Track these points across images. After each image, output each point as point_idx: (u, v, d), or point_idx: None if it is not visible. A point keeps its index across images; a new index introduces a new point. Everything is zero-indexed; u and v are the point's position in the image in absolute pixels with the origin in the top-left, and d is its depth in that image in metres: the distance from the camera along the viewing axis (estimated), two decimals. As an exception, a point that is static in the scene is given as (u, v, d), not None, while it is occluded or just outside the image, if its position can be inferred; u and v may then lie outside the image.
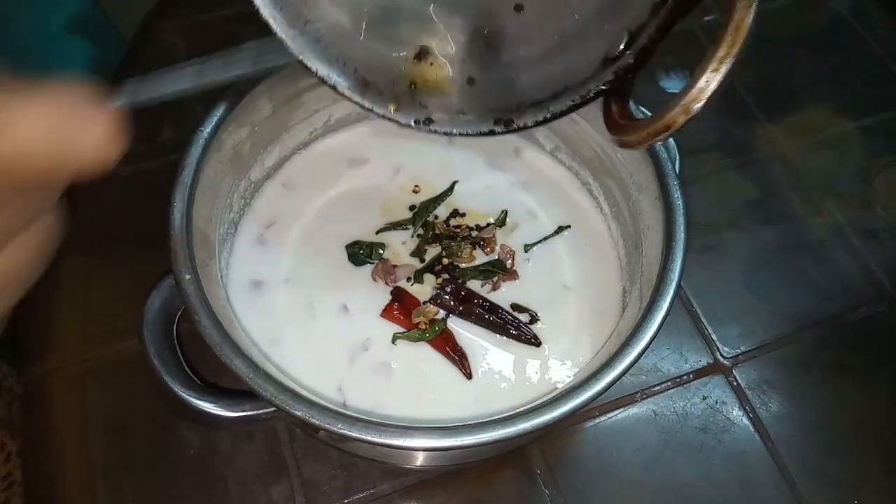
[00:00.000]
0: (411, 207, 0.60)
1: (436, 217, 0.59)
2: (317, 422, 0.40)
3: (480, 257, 0.57)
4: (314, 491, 0.55)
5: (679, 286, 0.44)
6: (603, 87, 0.36)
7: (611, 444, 0.58)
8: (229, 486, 0.55)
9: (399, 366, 0.53)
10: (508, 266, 0.57)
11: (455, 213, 0.60)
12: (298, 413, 0.40)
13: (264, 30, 0.37)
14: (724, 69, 0.30)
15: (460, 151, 0.63)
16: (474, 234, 0.58)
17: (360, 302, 0.55)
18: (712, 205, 0.71)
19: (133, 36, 0.83)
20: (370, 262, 0.57)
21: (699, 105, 0.31)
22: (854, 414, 0.61)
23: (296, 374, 0.51)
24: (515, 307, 0.55)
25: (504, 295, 0.56)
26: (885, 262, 0.68)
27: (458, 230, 0.58)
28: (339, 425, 0.39)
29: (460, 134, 0.40)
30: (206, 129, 0.49)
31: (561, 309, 0.56)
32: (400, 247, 0.58)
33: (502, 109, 0.39)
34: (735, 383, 0.61)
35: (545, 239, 0.59)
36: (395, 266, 0.56)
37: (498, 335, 0.54)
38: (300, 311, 0.54)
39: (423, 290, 0.56)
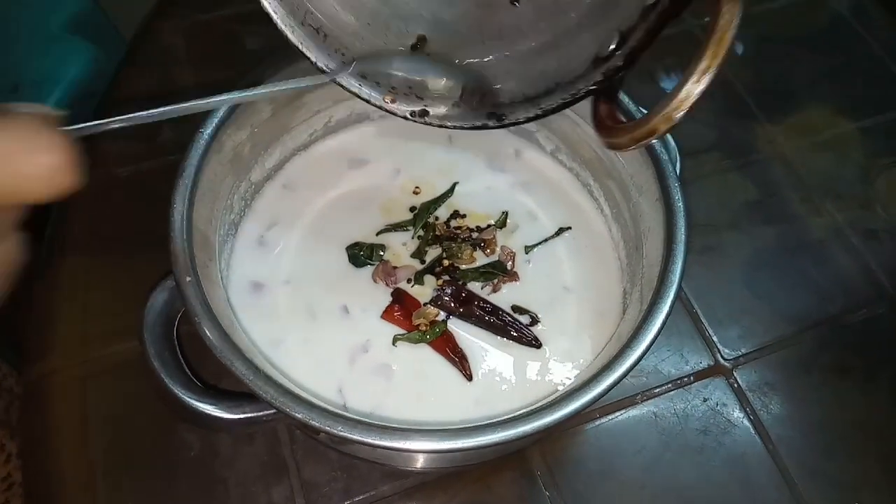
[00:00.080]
0: (412, 209, 0.60)
1: (436, 218, 0.59)
2: (317, 424, 0.39)
3: (481, 259, 0.57)
4: (314, 493, 0.55)
5: (680, 289, 0.44)
6: (592, 87, 0.37)
7: (611, 446, 0.58)
8: (229, 487, 0.55)
9: (399, 367, 0.53)
10: (509, 267, 0.57)
11: (455, 215, 0.59)
12: (299, 415, 0.40)
13: (263, 29, 0.38)
14: (706, 80, 0.31)
15: (461, 152, 0.63)
16: (475, 235, 0.58)
17: (361, 303, 0.55)
18: (712, 205, 0.71)
19: (133, 36, 0.83)
20: (370, 264, 0.57)
21: (681, 114, 0.32)
22: (854, 415, 0.61)
23: (296, 376, 0.51)
24: (516, 309, 0.55)
25: (504, 296, 0.56)
26: (886, 263, 0.68)
27: (458, 231, 0.58)
28: (340, 428, 0.39)
29: (454, 127, 0.40)
30: (207, 131, 0.49)
31: (561, 311, 0.56)
32: (400, 248, 0.58)
33: (495, 103, 0.39)
34: (736, 385, 0.61)
35: (546, 240, 0.59)
36: (395, 267, 0.56)
37: (498, 337, 0.54)
38: (300, 312, 0.54)
39: (423, 292, 0.56)
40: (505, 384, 0.53)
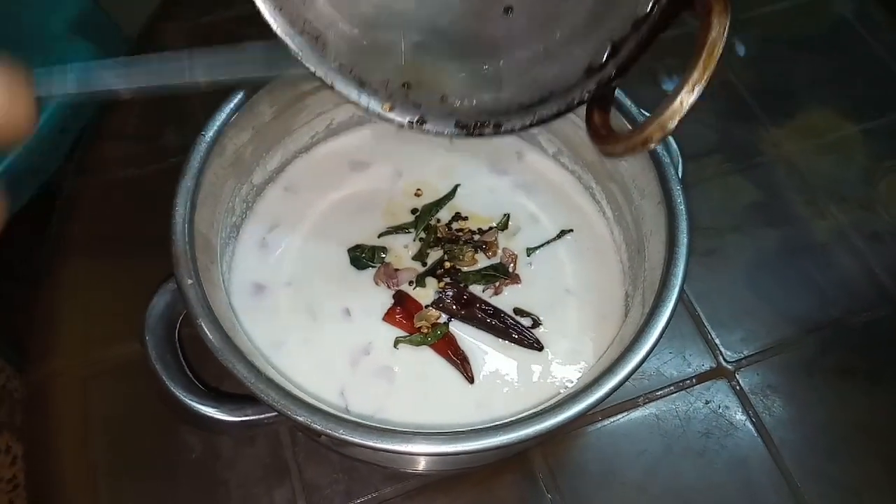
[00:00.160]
0: (413, 211, 0.60)
1: (438, 220, 0.59)
2: (319, 427, 0.39)
3: (482, 261, 0.57)
4: (316, 494, 0.55)
5: (682, 292, 0.44)
6: (586, 96, 0.38)
7: (613, 449, 0.58)
8: (231, 489, 0.55)
9: (401, 370, 0.53)
10: (510, 270, 0.57)
11: (457, 217, 0.59)
12: (300, 418, 0.40)
13: (265, 31, 0.38)
14: (697, 90, 0.32)
15: (462, 155, 0.63)
16: (476, 237, 0.58)
17: (362, 306, 0.55)
18: (715, 208, 0.71)
19: (136, 37, 0.83)
20: (372, 266, 0.57)
21: (674, 123, 0.33)
22: (857, 417, 0.60)
23: (297, 378, 0.51)
24: (517, 311, 0.55)
25: (506, 299, 0.56)
26: (889, 266, 0.68)
27: (460, 234, 0.58)
28: (342, 431, 0.39)
29: (450, 135, 0.41)
30: (209, 134, 0.49)
31: (563, 313, 0.56)
32: (402, 250, 0.58)
33: (491, 111, 0.40)
34: (738, 387, 0.61)
35: (547, 243, 0.59)
36: (397, 270, 0.56)
37: (500, 339, 0.54)
38: (302, 314, 0.54)
39: (425, 294, 0.56)
40: (507, 387, 0.52)
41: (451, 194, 0.61)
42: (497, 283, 0.56)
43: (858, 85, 0.81)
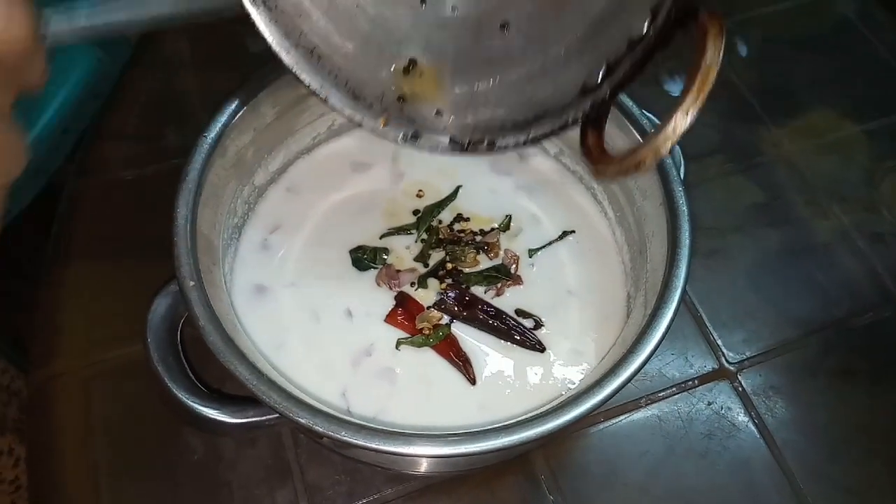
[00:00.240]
0: (415, 212, 0.60)
1: (440, 221, 0.59)
2: (321, 429, 0.39)
3: (484, 262, 0.57)
4: (318, 496, 0.55)
5: (684, 293, 0.44)
6: (581, 116, 0.38)
7: (615, 450, 0.58)
8: (233, 490, 0.55)
9: (403, 371, 0.53)
10: (512, 271, 0.57)
11: (459, 218, 0.59)
12: (302, 420, 0.40)
13: (260, 41, 0.38)
14: (692, 114, 0.32)
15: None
16: (478, 238, 0.58)
17: (364, 307, 0.55)
18: (717, 209, 0.71)
19: (139, 39, 0.83)
20: (374, 267, 0.57)
21: (667, 148, 0.33)
22: (860, 419, 0.60)
23: (299, 380, 0.51)
24: (519, 312, 0.55)
25: (508, 300, 0.56)
26: (892, 266, 0.68)
27: (462, 235, 0.58)
28: (344, 433, 0.39)
29: (444, 152, 0.41)
30: (210, 135, 0.49)
31: (565, 314, 0.55)
32: (404, 251, 0.58)
33: (486, 129, 0.40)
34: (740, 389, 0.61)
35: (549, 244, 0.59)
36: (398, 271, 0.56)
37: (502, 341, 0.54)
38: (304, 315, 0.54)
39: (427, 295, 0.56)
40: (508, 388, 0.52)
41: (453, 195, 0.60)
42: (499, 285, 0.56)
43: (860, 85, 0.81)
